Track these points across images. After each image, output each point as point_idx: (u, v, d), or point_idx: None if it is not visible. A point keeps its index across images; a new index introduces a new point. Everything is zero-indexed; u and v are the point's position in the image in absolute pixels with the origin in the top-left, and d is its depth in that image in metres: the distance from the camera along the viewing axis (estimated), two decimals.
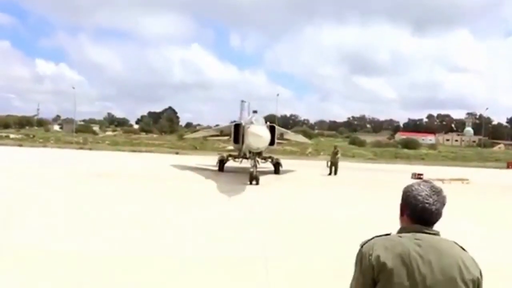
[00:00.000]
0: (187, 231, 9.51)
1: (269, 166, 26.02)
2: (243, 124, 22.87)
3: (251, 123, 20.53)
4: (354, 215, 12.62)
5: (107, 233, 8.96)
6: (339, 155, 27.24)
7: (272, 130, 20.57)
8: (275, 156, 26.73)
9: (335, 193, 18.27)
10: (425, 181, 2.32)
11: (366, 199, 16.59)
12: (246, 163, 25.67)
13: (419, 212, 2.20)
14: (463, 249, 2.22)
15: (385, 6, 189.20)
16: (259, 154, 21.68)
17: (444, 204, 2.25)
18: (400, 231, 2.26)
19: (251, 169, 19.90)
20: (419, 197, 2.21)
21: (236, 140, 23.64)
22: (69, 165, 25.61)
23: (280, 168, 25.88)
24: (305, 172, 27.69)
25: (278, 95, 73.91)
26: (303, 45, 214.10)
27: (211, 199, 14.70)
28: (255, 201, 14.71)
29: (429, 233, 2.18)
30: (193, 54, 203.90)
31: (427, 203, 2.19)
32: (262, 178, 20.20)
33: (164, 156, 39.31)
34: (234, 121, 30.00)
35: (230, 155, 27.02)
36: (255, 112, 23.21)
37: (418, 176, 25.84)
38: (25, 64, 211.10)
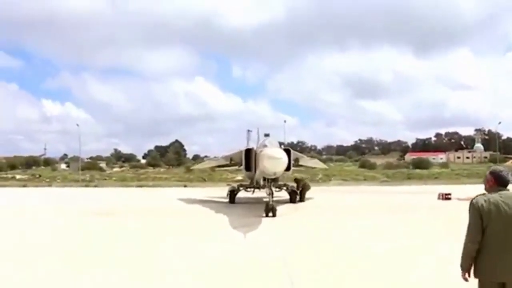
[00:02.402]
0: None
1: (283, 194, 24.18)
2: (255, 148, 20.95)
3: (265, 146, 18.55)
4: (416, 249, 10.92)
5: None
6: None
7: (287, 153, 18.13)
8: (290, 184, 24.92)
9: (373, 223, 15.96)
10: (505, 168, 4.67)
11: (410, 229, 14.60)
12: (258, 193, 24.06)
13: (503, 182, 4.46)
14: None
15: (386, 30, 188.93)
16: (274, 181, 19.47)
17: None
18: (489, 191, 4.48)
19: (267, 199, 17.76)
20: (501, 174, 4.49)
21: (247, 167, 21.07)
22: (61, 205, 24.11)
23: (297, 197, 23.91)
24: (322, 199, 25.95)
25: (285, 121, 73.08)
26: (305, 73, 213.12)
27: (223, 237, 13.00)
28: (274, 239, 12.94)
29: (505, 190, 4.43)
30: (197, 87, 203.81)
31: (506, 177, 4.48)
32: (278, 209, 18.22)
33: (172, 190, 37.78)
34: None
35: (241, 185, 25.36)
36: (267, 135, 21.25)
37: (445, 196, 24.33)
38: (32, 106, 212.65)
